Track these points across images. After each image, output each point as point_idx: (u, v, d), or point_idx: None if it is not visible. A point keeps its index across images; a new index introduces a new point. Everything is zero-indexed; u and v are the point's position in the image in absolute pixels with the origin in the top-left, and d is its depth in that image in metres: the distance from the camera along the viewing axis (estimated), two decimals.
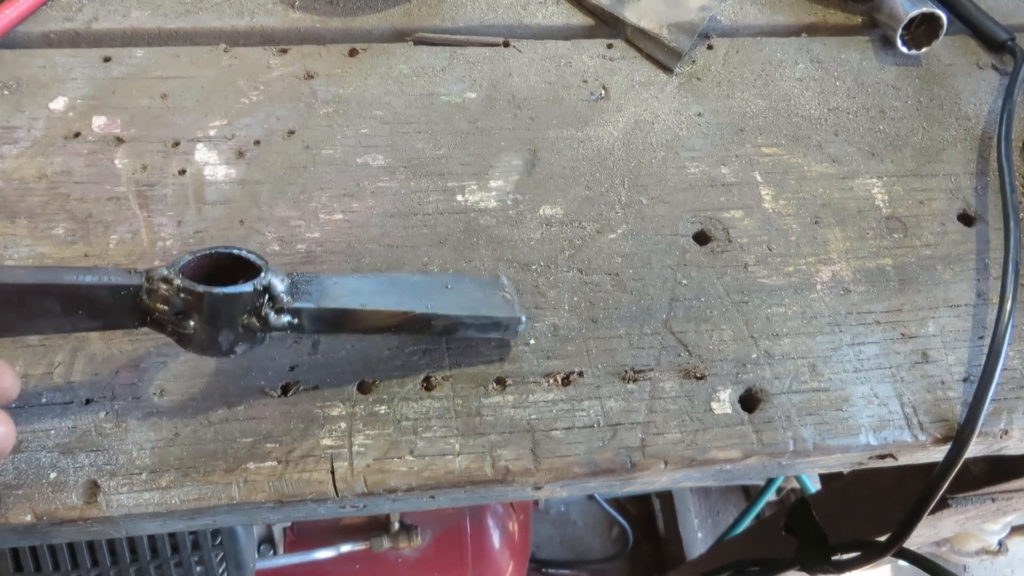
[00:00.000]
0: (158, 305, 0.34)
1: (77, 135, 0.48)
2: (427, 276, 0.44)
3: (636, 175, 0.50)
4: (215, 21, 0.54)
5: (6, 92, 0.49)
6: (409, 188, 0.48)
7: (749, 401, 0.43)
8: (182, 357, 0.42)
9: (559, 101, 0.53)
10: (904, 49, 0.58)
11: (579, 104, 0.53)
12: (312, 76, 0.52)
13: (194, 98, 0.50)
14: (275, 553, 0.97)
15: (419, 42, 0.55)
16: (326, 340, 0.43)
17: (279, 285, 0.35)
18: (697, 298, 0.46)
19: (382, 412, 0.41)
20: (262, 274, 0.35)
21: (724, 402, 0.43)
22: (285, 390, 0.41)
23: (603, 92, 0.54)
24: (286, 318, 0.36)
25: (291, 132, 0.50)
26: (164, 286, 0.34)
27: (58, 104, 0.49)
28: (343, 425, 0.40)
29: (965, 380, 0.45)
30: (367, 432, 0.40)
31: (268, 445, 0.39)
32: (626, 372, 0.43)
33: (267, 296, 0.35)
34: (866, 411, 0.44)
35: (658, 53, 0.55)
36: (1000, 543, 1.28)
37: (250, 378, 0.41)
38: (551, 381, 0.43)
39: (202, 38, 0.54)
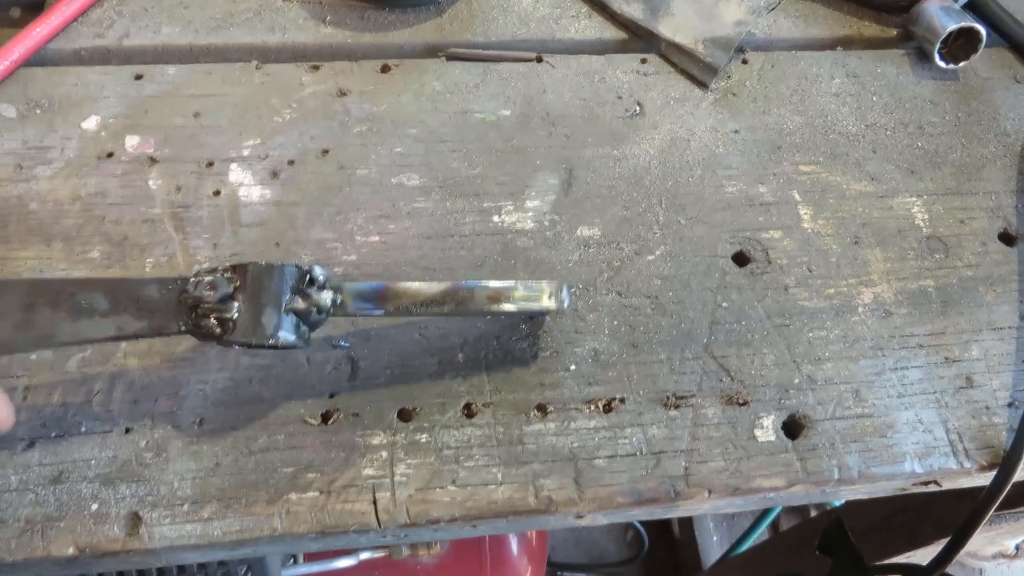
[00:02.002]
0: (206, 293, 0.35)
1: (110, 155, 0.48)
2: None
3: (673, 194, 0.50)
4: (246, 37, 0.54)
5: (38, 111, 0.49)
6: (445, 209, 0.48)
7: (792, 428, 0.43)
8: (220, 385, 0.41)
9: (594, 118, 0.52)
10: (942, 64, 0.57)
11: (614, 121, 0.53)
12: (345, 93, 0.52)
13: (227, 117, 0.50)
14: (295, 562, 0.96)
15: (452, 58, 0.54)
16: (365, 366, 0.42)
17: (320, 271, 0.37)
18: (738, 321, 0.45)
19: (423, 440, 0.40)
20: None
21: (767, 429, 0.42)
22: (325, 418, 0.41)
23: (638, 108, 0.53)
24: (328, 294, 0.37)
25: (325, 151, 0.49)
26: (209, 276, 0.36)
27: (91, 123, 0.49)
28: (384, 454, 0.40)
29: (1010, 405, 0.45)
30: (409, 461, 0.40)
31: (310, 475, 0.39)
32: (668, 398, 0.43)
33: (309, 279, 0.37)
34: (911, 438, 0.43)
35: (693, 68, 0.55)
36: (1017, 547, 1.27)
37: (290, 406, 0.41)
38: (592, 408, 0.42)
39: (233, 54, 0.53)
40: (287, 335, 0.36)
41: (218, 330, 0.36)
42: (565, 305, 0.40)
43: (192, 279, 0.36)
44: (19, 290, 0.35)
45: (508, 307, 0.39)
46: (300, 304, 0.37)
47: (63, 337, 0.36)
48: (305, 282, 0.37)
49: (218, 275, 0.36)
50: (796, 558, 0.86)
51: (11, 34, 0.51)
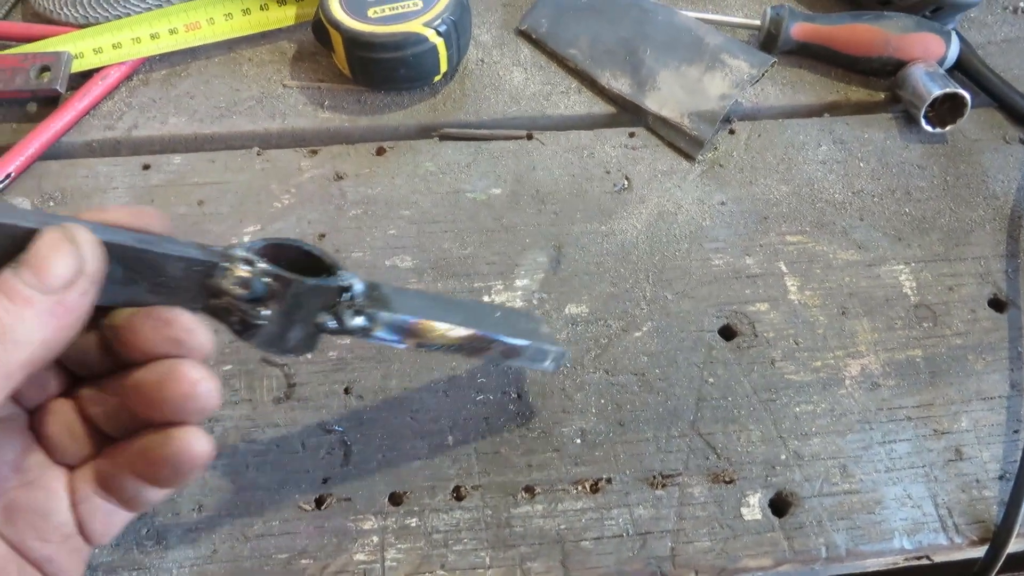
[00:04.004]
0: (233, 288, 0.31)
1: None
2: (474, 302, 0.45)
3: (660, 269, 0.51)
4: (248, 124, 0.56)
5: (52, 204, 0.52)
6: (436, 290, 0.49)
7: (779, 505, 0.43)
8: (219, 471, 0.43)
9: (582, 194, 0.54)
10: (928, 128, 0.57)
11: (602, 196, 0.54)
12: (342, 177, 0.54)
13: (229, 204, 0.52)
14: None
15: (444, 138, 0.56)
16: (358, 450, 0.44)
17: (358, 286, 0.35)
18: (724, 397, 0.46)
19: (413, 525, 0.42)
20: (341, 272, 0.35)
21: (754, 507, 0.43)
22: (319, 503, 0.42)
23: (626, 183, 0.55)
24: (361, 320, 0.35)
25: (322, 235, 0.51)
26: (245, 268, 0.31)
27: None
28: (375, 539, 0.41)
29: (1001, 478, 0.44)
30: (399, 546, 0.41)
31: (303, 561, 0.40)
32: (654, 477, 0.43)
33: (347, 295, 0.34)
34: (899, 513, 0.43)
35: (680, 141, 0.56)
36: None
37: (284, 491, 0.42)
38: (580, 488, 0.43)
39: (236, 141, 0.56)
40: (303, 348, 0.35)
41: (238, 327, 0.32)
42: (562, 364, 0.44)
43: (222, 265, 0.31)
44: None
45: (513, 363, 0.43)
46: (331, 325, 0.34)
47: None
48: (341, 300, 0.34)
49: (255, 275, 0.31)
50: None
51: (28, 128, 0.54)
